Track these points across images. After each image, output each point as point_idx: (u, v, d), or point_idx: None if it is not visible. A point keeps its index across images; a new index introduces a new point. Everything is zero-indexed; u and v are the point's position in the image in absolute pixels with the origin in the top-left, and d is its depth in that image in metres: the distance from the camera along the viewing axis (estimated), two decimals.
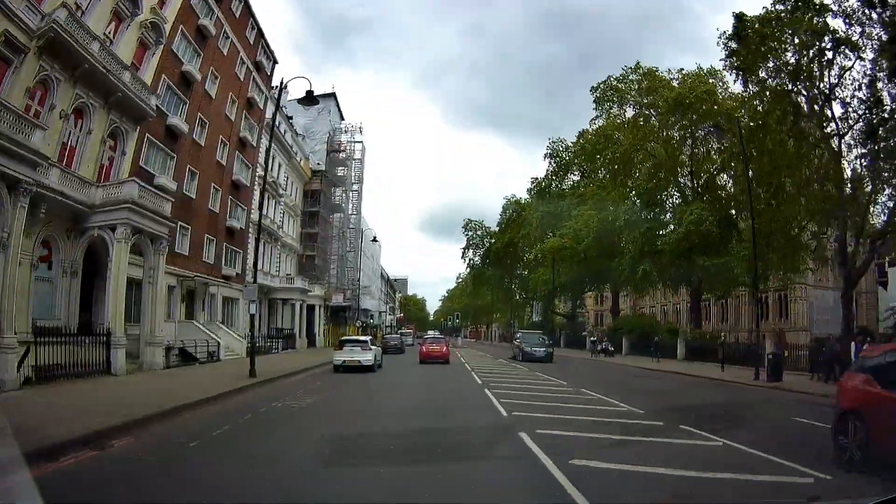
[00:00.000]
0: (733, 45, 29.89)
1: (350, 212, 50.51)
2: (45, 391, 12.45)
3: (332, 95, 53.62)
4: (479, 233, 68.12)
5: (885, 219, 28.26)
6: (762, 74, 30.86)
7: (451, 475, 5.92)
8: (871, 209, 28.62)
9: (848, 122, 28.73)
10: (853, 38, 27.86)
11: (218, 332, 27.12)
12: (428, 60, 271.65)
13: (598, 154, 43.76)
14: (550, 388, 15.64)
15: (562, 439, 7.82)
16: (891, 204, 27.61)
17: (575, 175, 56.15)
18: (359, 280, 43.19)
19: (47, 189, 16.77)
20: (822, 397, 16.97)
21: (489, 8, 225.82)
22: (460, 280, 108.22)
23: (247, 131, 34.75)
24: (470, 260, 67.61)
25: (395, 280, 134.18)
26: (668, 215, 40.94)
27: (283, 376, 18.97)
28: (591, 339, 37.55)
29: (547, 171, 55.94)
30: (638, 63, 43.66)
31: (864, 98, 27.90)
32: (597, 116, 46.14)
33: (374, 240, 43.62)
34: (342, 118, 54.28)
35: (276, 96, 43.94)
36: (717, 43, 31.01)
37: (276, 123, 40.62)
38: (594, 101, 44.72)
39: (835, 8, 27.38)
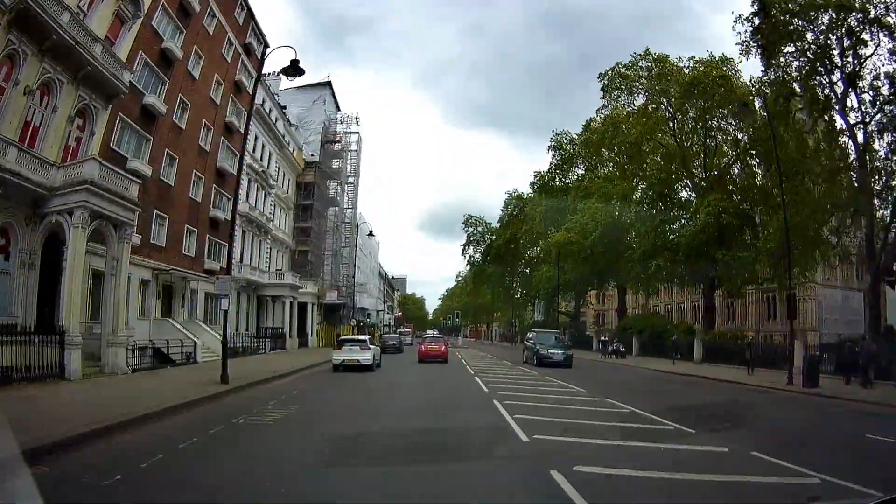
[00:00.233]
0: (756, 21, 27.71)
1: (345, 205, 48.22)
2: None
3: (328, 84, 51.40)
4: (479, 229, 66.03)
5: None
6: (782, 60, 28.98)
7: None
8: None
9: (878, 109, 26.69)
10: (882, 18, 25.92)
11: (197, 331, 24.89)
12: (428, 60, 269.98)
13: (605, 145, 41.46)
14: (569, 397, 13.37)
15: (616, 483, 5.59)
16: None
17: (580, 169, 54.02)
18: (353, 277, 40.96)
19: (2, 170, 14.93)
20: (875, 405, 14.95)
21: (489, 8, 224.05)
22: (460, 279, 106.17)
23: (234, 117, 32.51)
24: (470, 257, 65.56)
25: (394, 279, 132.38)
26: (678, 209, 38.72)
27: (263, 381, 16.73)
28: (602, 339, 35.24)
29: (550, 164, 53.77)
30: (647, 49, 41.37)
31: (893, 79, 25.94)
32: (604, 106, 43.88)
33: (371, 234, 41.34)
34: (338, 109, 52.02)
35: (266, 79, 41.86)
36: (732, 27, 29.09)
37: (268, 111, 38.50)
38: (601, 88, 42.46)
39: None
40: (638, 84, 41.80)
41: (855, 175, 29.00)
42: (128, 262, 18.93)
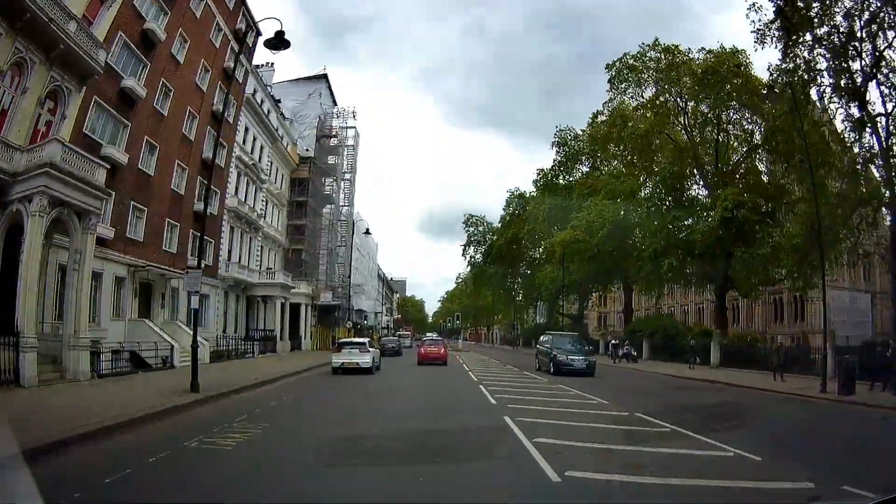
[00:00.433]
0: (779, 2, 25.90)
1: (342, 203, 46.30)
2: None
3: (324, 77, 49.60)
4: (480, 229, 64.11)
5: None
6: (804, 45, 27.32)
7: None
8: None
9: None
10: None
11: (177, 333, 22.99)
12: (428, 60, 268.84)
13: (612, 139, 39.59)
14: (594, 412, 11.34)
15: None
16: None
17: (584, 166, 52.17)
18: (349, 277, 39.06)
19: None
20: None
21: (489, 8, 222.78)
22: (460, 280, 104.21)
23: (222, 105, 30.35)
24: (471, 257, 63.55)
25: (394, 281, 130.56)
26: (689, 205, 36.85)
27: (241, 389, 14.82)
28: (613, 342, 33.25)
29: (554, 161, 51.82)
30: (656, 40, 39.51)
31: None
32: (610, 99, 41.99)
33: (367, 232, 39.37)
34: (335, 103, 50.16)
35: (259, 71, 40.08)
36: (746, 16, 27.27)
37: (259, 102, 36.67)
38: (609, 80, 40.56)
39: None
40: (646, 75, 39.94)
41: (877, 169, 27.34)
42: (92, 255, 17.06)
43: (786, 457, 7.40)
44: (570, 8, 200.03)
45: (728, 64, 34.08)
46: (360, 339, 24.98)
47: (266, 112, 37.33)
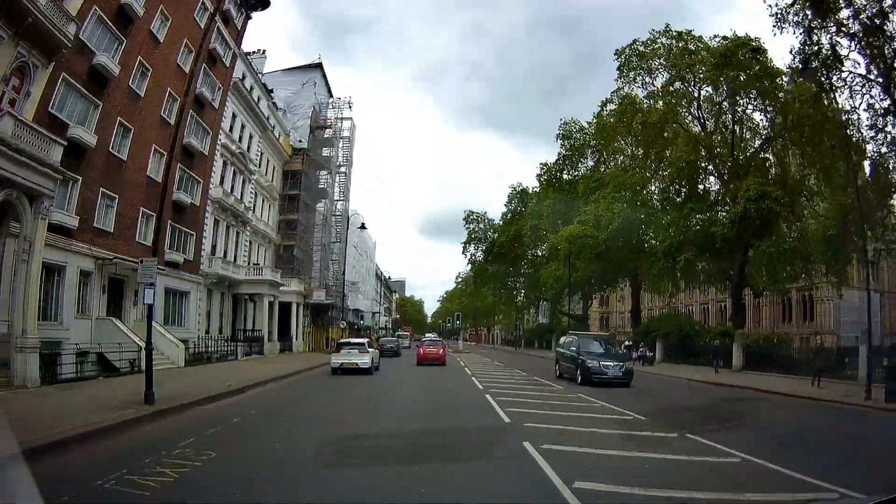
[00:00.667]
0: None
1: (336, 197, 44.10)
2: None
3: (318, 66, 47.42)
4: (481, 226, 61.88)
5: None
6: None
7: None
8: None
9: None
10: None
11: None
12: (428, 60, 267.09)
13: (621, 129, 37.42)
14: (637, 433, 9.16)
15: None
16: None
17: (590, 160, 50.06)
18: (344, 274, 36.91)
19: None
20: None
21: (489, 9, 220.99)
22: (459, 280, 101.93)
23: (206, 88, 28.51)
24: (471, 255, 61.30)
25: (393, 282, 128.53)
26: (705, 198, 34.77)
27: (206, 400, 12.68)
28: (626, 343, 31.04)
29: (559, 154, 49.68)
30: (668, 26, 37.41)
31: None
32: (618, 88, 39.80)
33: (363, 226, 37.15)
34: (330, 94, 47.97)
35: (250, 58, 37.95)
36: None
37: (248, 88, 34.55)
38: (618, 68, 38.40)
39: None
40: (657, 63, 37.86)
41: None
42: (43, 243, 15.00)
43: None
44: (570, 8, 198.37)
45: (746, 48, 32.13)
46: (360, 340, 24.72)
47: (256, 99, 35.20)
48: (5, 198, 14.23)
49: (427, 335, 54.50)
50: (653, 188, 40.27)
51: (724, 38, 35.15)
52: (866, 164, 28.33)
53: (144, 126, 24.02)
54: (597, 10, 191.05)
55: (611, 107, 39.21)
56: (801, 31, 26.71)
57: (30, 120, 16.20)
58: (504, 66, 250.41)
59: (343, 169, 44.56)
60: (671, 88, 35.53)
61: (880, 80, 24.92)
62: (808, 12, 25.80)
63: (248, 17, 35.00)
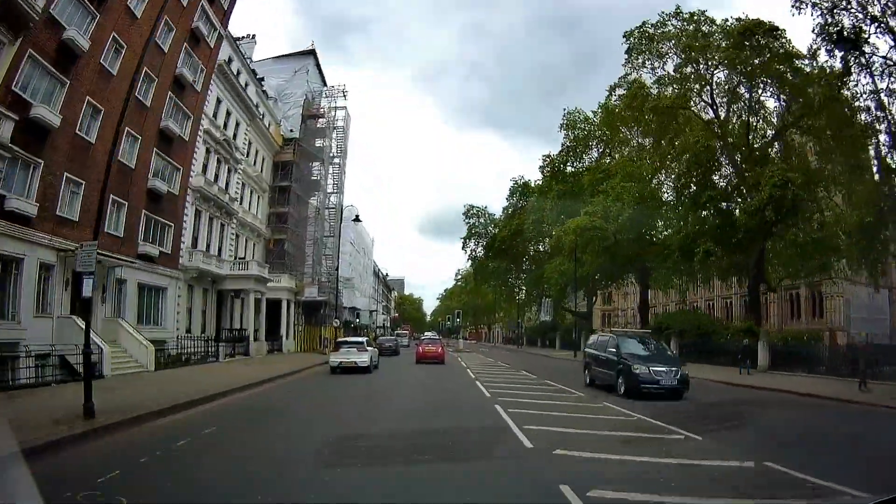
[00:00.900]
0: None
1: (330, 189, 41.99)
2: None
3: (311, 53, 45.26)
4: (481, 220, 59.72)
5: None
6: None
7: None
8: None
9: None
10: None
11: (118, 333, 18.81)
12: (427, 60, 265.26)
13: (631, 115, 35.35)
14: (704, 463, 6.91)
15: None
16: None
17: (594, 151, 48.02)
18: (337, 269, 34.81)
19: None
20: None
21: (488, 8, 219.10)
22: (459, 278, 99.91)
23: (187, 69, 26.43)
24: (471, 251, 59.16)
25: (391, 280, 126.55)
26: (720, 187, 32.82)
27: (161, 413, 10.60)
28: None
29: (562, 145, 47.58)
30: (678, 8, 35.40)
31: None
32: (626, 74, 37.71)
33: (357, 219, 35.03)
34: (324, 82, 45.79)
35: (239, 44, 35.86)
36: None
37: (235, 72, 32.46)
38: (626, 51, 36.35)
39: None
40: (667, 46, 35.82)
41: None
42: None
43: None
44: (570, 8, 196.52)
45: (762, 28, 30.19)
46: (359, 339, 24.75)
47: (243, 85, 33.09)
48: None
49: (426, 334, 52.81)
50: (663, 178, 38.49)
51: (738, 19, 33.29)
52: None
53: (117, 106, 21.94)
54: (597, 9, 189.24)
55: (619, 92, 37.11)
56: (820, 13, 25.03)
57: None
58: (504, 65, 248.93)
59: (337, 160, 42.41)
60: (684, 72, 33.55)
61: None
62: None
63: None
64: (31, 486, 3.43)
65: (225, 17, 32.29)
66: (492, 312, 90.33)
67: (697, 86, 33.72)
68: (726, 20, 33.12)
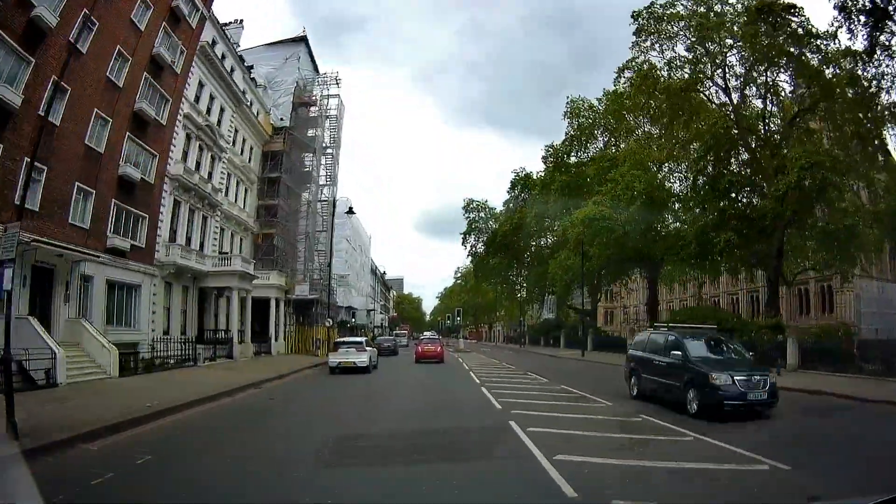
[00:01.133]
0: None
1: (323, 181, 39.89)
2: None
3: (303, 40, 43.17)
4: (482, 215, 57.81)
5: None
6: None
7: None
8: None
9: None
10: None
11: (81, 336, 16.76)
12: (427, 60, 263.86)
13: (640, 97, 33.34)
14: None
15: None
16: None
17: (599, 141, 46.03)
18: (329, 265, 32.78)
19: None
20: None
21: (488, 7, 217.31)
22: (459, 276, 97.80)
23: (165, 49, 24.37)
24: (471, 247, 57.20)
25: (390, 279, 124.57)
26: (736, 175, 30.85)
27: (102, 432, 8.58)
28: None
29: (566, 134, 45.57)
30: None
31: None
32: (633, 58, 35.64)
33: (350, 211, 32.90)
34: (316, 70, 43.71)
35: (226, 30, 33.80)
36: None
37: (220, 56, 30.38)
38: (634, 32, 34.32)
39: None
40: (677, 27, 33.83)
41: None
42: None
43: None
44: (569, 7, 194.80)
45: (780, 5, 28.35)
46: (357, 339, 24.75)
47: (229, 70, 31.01)
48: None
49: (425, 333, 51.06)
50: (674, 167, 36.54)
51: None
52: None
53: (85, 87, 20.06)
54: (596, 8, 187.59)
55: (627, 76, 35.05)
56: None
57: None
58: (503, 65, 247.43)
59: (330, 150, 40.32)
60: (697, 53, 31.60)
61: None
62: None
63: None
64: (31, 487, 3.47)
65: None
66: (492, 311, 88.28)
67: (710, 67, 31.84)
68: None
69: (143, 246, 21.97)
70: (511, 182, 54.06)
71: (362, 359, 21.06)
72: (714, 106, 32.30)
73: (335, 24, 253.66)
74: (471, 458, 7.12)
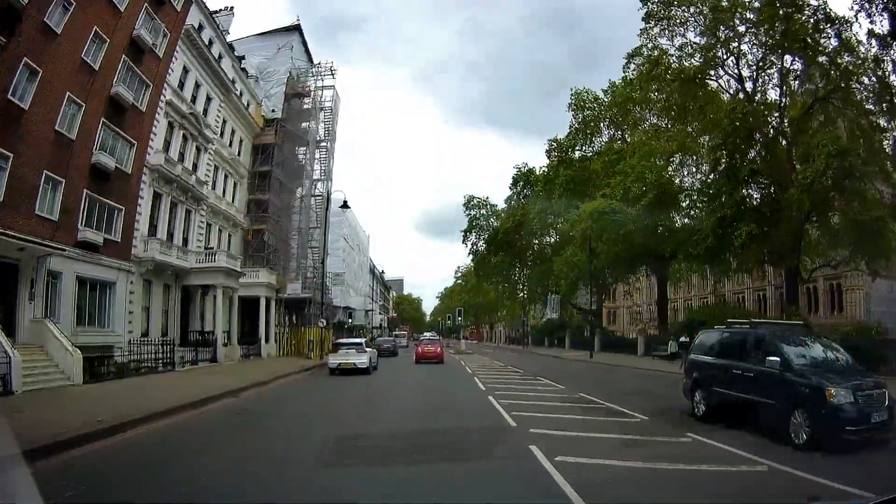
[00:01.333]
0: None
1: (317, 175, 38.18)
2: None
3: (296, 29, 41.55)
4: (483, 212, 56.22)
5: None
6: None
7: None
8: None
9: None
10: None
11: (43, 337, 15.10)
12: (427, 60, 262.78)
13: (651, 84, 31.75)
14: None
15: None
16: None
17: (604, 135, 44.38)
18: (322, 262, 31.03)
19: None
20: None
21: (487, 6, 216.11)
22: (459, 275, 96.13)
23: (147, 31, 22.77)
24: (472, 245, 55.59)
25: (390, 280, 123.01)
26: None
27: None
28: (682, 339, 24.95)
29: (571, 126, 43.96)
30: None
31: None
32: (641, 46, 33.99)
33: (345, 205, 31.18)
34: (311, 60, 42.06)
35: (216, 17, 32.22)
36: None
37: (207, 41, 28.77)
38: (643, 17, 32.67)
39: None
40: (688, 12, 32.23)
41: None
42: None
43: None
44: (569, 7, 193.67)
45: None
46: (357, 340, 24.68)
47: (217, 57, 29.39)
48: None
49: (425, 334, 49.53)
50: (684, 159, 34.94)
51: None
52: None
53: (58, 69, 18.53)
54: (596, 8, 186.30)
55: (637, 62, 33.39)
56: None
57: None
58: (503, 64, 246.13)
59: (324, 144, 38.66)
60: (711, 36, 30.02)
61: None
62: None
63: None
64: (31, 487, 3.47)
65: None
66: (494, 311, 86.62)
67: (723, 53, 30.26)
68: None
69: (119, 240, 20.31)
70: (513, 178, 52.57)
71: (362, 360, 21.02)
72: (728, 96, 30.89)
73: (335, 24, 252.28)
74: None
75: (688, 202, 33.23)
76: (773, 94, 30.83)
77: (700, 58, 30.53)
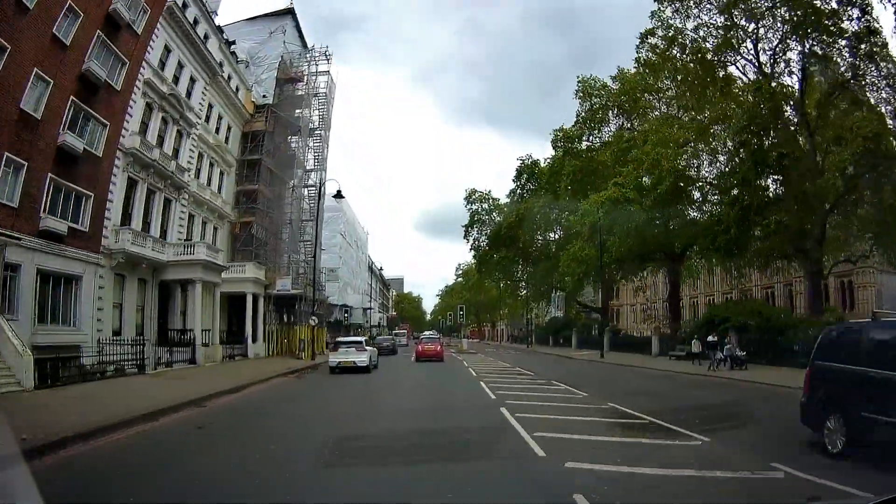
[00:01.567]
0: None
1: (310, 165, 36.27)
2: None
3: (289, 13, 39.66)
4: (485, 206, 54.31)
5: None
6: None
7: None
8: None
9: None
10: None
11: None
12: (426, 59, 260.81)
13: (667, 61, 29.85)
14: None
15: None
16: None
17: (612, 125, 42.41)
18: (314, 256, 29.20)
19: None
20: None
21: (487, 6, 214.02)
22: (460, 273, 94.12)
23: (124, 6, 20.86)
24: (474, 240, 53.70)
25: (391, 279, 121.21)
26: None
27: None
28: (709, 339, 22.90)
29: (577, 115, 42.00)
30: None
31: None
32: (653, 28, 32.06)
33: (338, 194, 29.10)
34: (304, 45, 40.13)
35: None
36: None
37: (192, 20, 26.84)
38: None
39: None
40: None
41: None
42: None
43: None
44: (568, 6, 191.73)
45: None
46: (357, 338, 24.77)
47: (203, 37, 27.51)
48: None
49: (426, 333, 47.86)
50: (700, 147, 33.09)
51: None
52: None
53: (26, 44, 16.63)
54: (596, 8, 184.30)
55: (652, 40, 31.39)
56: None
57: None
58: (503, 64, 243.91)
59: (319, 132, 36.76)
60: (729, 18, 28.19)
61: None
62: None
63: None
64: (31, 486, 3.35)
65: None
66: (495, 309, 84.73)
67: (741, 34, 28.41)
68: None
69: (87, 230, 18.44)
70: (517, 170, 50.59)
71: (362, 358, 21.13)
72: (747, 80, 29.10)
73: (334, 24, 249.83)
74: None
75: (699, 195, 31.41)
76: (790, 81, 29.28)
77: (716, 40, 28.80)
